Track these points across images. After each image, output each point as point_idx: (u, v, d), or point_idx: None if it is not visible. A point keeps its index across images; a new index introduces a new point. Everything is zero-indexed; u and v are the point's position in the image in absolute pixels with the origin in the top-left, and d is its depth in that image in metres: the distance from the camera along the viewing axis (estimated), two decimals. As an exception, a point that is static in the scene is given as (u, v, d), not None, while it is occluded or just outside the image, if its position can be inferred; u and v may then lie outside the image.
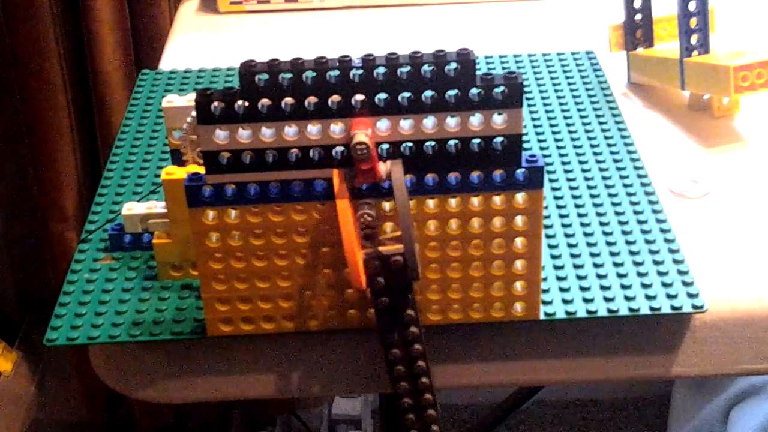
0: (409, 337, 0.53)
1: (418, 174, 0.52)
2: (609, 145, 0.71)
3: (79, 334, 0.57)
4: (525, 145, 0.72)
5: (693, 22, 0.77)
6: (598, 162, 0.69)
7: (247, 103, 0.50)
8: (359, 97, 0.50)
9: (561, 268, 0.60)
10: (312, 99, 0.50)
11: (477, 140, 0.51)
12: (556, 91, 0.79)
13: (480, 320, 0.56)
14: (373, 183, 0.52)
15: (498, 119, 0.51)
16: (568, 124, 0.74)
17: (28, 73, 1.06)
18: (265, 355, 0.58)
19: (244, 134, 0.51)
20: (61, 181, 1.11)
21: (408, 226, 0.50)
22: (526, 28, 0.94)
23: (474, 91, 0.50)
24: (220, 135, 0.51)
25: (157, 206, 0.60)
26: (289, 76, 0.50)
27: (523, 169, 0.52)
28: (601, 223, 0.63)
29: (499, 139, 0.51)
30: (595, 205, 0.65)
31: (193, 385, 0.59)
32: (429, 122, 0.51)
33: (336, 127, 0.51)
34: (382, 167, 0.51)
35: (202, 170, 0.52)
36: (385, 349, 0.53)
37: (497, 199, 0.53)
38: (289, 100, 0.50)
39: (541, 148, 0.71)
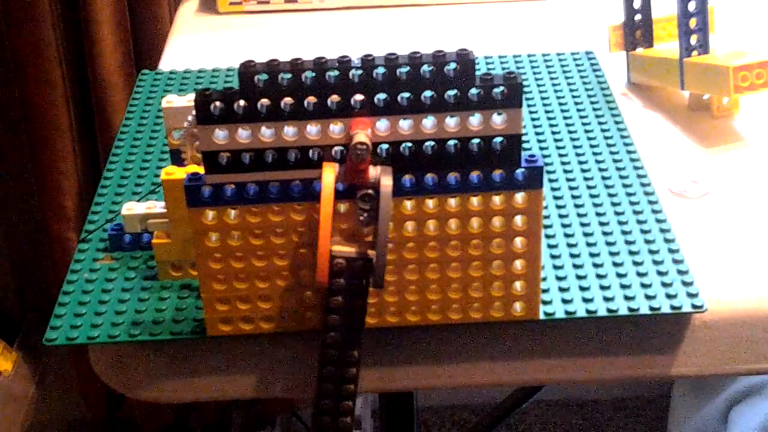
0: (349, 341, 0.52)
1: (418, 174, 0.52)
2: (609, 145, 0.71)
3: (79, 333, 0.57)
4: (525, 145, 0.72)
5: (693, 22, 0.77)
6: (598, 162, 0.69)
7: (246, 103, 0.50)
8: (358, 97, 0.50)
9: (561, 268, 0.60)
10: (311, 99, 0.50)
11: (476, 140, 0.51)
12: (555, 91, 0.79)
13: (480, 320, 0.56)
14: (362, 184, 0.51)
15: (497, 119, 0.51)
16: (567, 125, 0.74)
17: (28, 74, 1.06)
18: (265, 355, 0.58)
19: (243, 134, 0.51)
20: (61, 181, 1.10)
21: (384, 234, 0.50)
22: (526, 28, 0.94)
23: (473, 91, 0.50)
24: (220, 135, 0.51)
25: (157, 206, 0.60)
26: (289, 76, 0.50)
27: (523, 169, 0.52)
28: (601, 223, 0.63)
29: (499, 139, 0.51)
30: (595, 205, 0.65)
31: (193, 385, 0.59)
32: (428, 122, 0.51)
33: (335, 128, 0.51)
34: (372, 171, 0.51)
35: (201, 170, 0.52)
36: (323, 347, 0.53)
37: (497, 199, 0.53)
38: (288, 100, 0.50)
39: (541, 148, 0.71)
